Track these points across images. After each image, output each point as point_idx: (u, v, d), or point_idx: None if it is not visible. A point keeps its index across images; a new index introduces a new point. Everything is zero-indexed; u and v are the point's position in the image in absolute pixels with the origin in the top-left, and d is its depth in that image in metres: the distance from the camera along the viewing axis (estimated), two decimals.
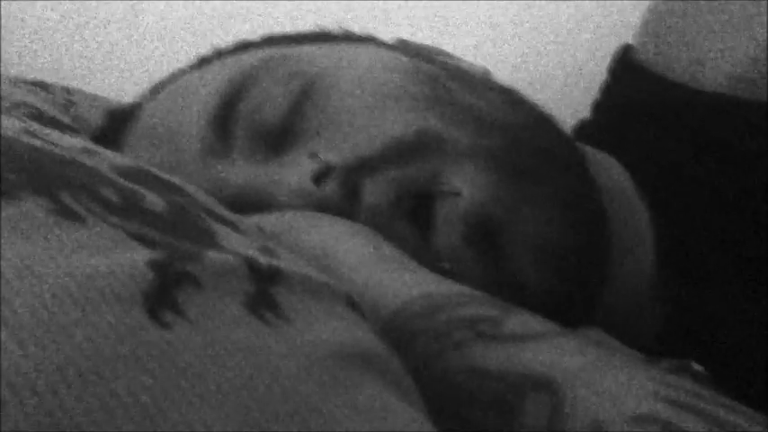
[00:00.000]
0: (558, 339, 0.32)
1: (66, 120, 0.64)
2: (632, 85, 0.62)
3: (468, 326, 0.31)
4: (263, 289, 0.23)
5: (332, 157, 0.44)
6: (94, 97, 0.72)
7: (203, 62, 0.57)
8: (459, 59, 0.56)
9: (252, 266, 0.24)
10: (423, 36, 0.63)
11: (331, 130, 0.46)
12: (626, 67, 0.62)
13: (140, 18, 1.00)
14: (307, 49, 0.52)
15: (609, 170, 0.54)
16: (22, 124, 0.26)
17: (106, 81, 0.99)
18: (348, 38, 0.55)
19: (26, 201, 0.21)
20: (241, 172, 0.46)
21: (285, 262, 0.26)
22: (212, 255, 0.23)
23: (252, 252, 0.25)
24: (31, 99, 0.65)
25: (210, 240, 0.24)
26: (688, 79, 0.56)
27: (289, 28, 0.61)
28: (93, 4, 1.01)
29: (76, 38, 1.02)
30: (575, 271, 0.44)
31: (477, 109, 0.47)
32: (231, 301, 0.22)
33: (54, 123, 0.57)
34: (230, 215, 0.28)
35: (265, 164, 0.46)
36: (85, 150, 0.26)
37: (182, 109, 0.49)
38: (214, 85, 0.48)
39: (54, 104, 0.67)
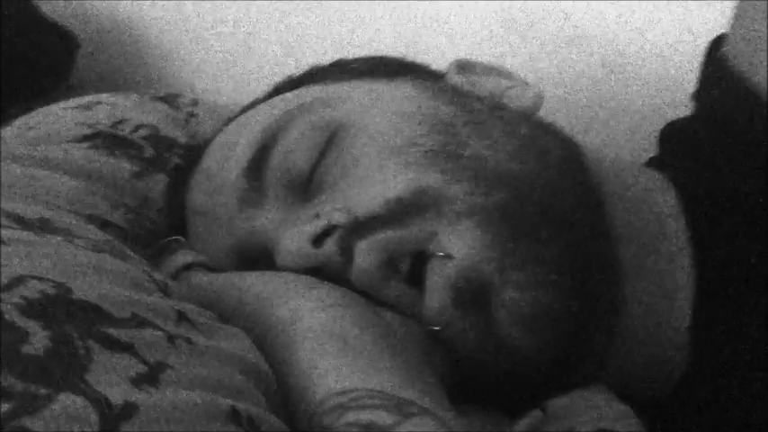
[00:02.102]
0: None
1: (182, 139, 0.71)
2: (716, 84, 0.58)
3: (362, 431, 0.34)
4: (111, 429, 0.27)
5: (337, 216, 0.46)
6: (216, 108, 0.79)
7: (276, 91, 0.61)
8: (513, 81, 0.55)
9: (101, 409, 0.28)
10: None
11: (342, 186, 0.48)
12: (714, 62, 0.59)
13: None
14: (341, 90, 0.54)
15: (654, 201, 0.51)
16: None
17: None
18: (393, 69, 0.56)
19: None
20: (270, 219, 0.50)
21: (171, 373, 0.30)
22: (63, 400, 0.27)
23: (115, 389, 0.29)
24: (150, 119, 0.72)
25: (77, 377, 0.29)
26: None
27: None
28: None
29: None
30: (569, 337, 0.44)
31: (483, 161, 0.47)
32: None
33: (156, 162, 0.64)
34: (132, 331, 0.32)
35: (293, 211, 0.50)
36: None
37: (224, 157, 0.53)
38: (250, 134, 0.52)
39: (174, 121, 0.74)
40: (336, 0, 0.99)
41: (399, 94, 0.53)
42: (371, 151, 0.48)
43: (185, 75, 1.13)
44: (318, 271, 0.46)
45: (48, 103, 0.90)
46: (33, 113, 0.73)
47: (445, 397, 0.39)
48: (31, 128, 0.68)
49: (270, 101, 0.56)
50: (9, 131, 0.68)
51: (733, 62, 0.57)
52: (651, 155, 0.63)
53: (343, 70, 0.58)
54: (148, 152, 0.67)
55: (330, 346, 0.39)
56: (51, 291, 0.32)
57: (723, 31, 0.61)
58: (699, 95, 0.61)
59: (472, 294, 0.44)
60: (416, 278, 0.45)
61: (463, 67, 0.57)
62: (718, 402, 0.47)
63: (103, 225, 0.54)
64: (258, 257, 0.50)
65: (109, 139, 0.67)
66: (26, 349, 0.29)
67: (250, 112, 0.56)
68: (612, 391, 0.45)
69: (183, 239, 0.56)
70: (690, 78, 0.67)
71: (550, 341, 0.44)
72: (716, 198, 0.52)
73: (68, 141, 0.65)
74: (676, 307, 0.49)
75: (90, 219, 0.53)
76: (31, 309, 0.31)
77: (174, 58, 1.13)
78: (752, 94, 0.55)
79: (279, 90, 0.60)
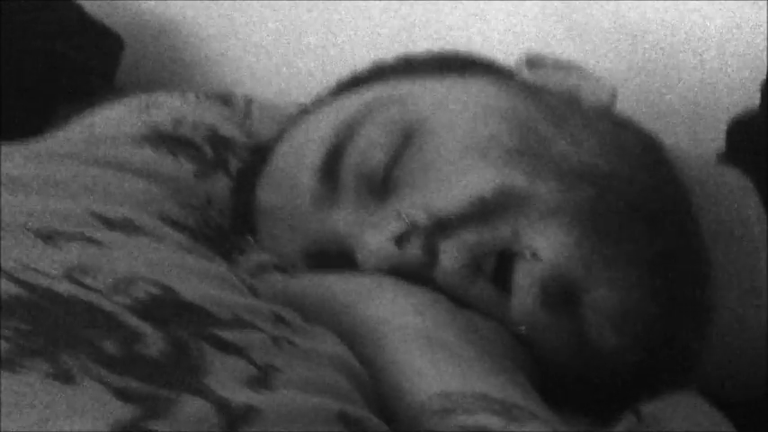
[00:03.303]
0: None
1: (240, 138, 0.71)
2: None
3: None
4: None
5: (418, 215, 0.46)
6: (273, 107, 0.78)
7: (340, 88, 0.60)
8: (585, 77, 0.54)
9: (223, 410, 0.27)
10: None
11: (421, 185, 0.48)
12: None
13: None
14: (412, 87, 0.53)
15: (733, 196, 0.51)
16: (69, 266, 0.32)
17: None
18: (462, 65, 0.56)
19: (27, 368, 0.26)
20: (346, 218, 0.50)
21: (281, 375, 0.30)
22: (187, 403, 0.27)
23: (234, 392, 0.28)
24: (208, 119, 0.72)
25: (195, 381, 0.28)
26: None
27: None
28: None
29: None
30: (659, 339, 0.43)
31: (567, 158, 0.46)
32: None
33: (217, 163, 0.64)
34: (238, 333, 0.32)
35: (370, 210, 0.49)
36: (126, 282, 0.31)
37: (297, 157, 0.53)
38: (322, 134, 0.52)
39: (230, 120, 0.74)
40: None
41: (474, 90, 0.52)
42: (451, 149, 0.48)
43: (229, 75, 1.13)
44: (400, 271, 0.45)
45: (95, 105, 0.90)
46: (93, 114, 0.73)
47: (541, 400, 0.39)
48: (90, 127, 0.68)
49: (339, 100, 0.56)
50: (72, 133, 0.68)
51: None
52: (714, 151, 0.63)
53: (410, 67, 0.57)
54: (208, 152, 0.67)
55: (425, 348, 0.39)
56: (158, 292, 0.32)
57: None
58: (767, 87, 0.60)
59: (561, 295, 0.43)
60: (501, 278, 0.45)
61: (533, 62, 0.56)
62: None
63: (173, 225, 0.54)
64: (333, 257, 0.50)
65: (169, 140, 0.67)
66: (144, 352, 0.29)
67: (320, 112, 0.56)
68: (702, 395, 0.44)
69: (251, 239, 0.56)
70: (750, 74, 0.66)
71: (641, 343, 0.43)
72: None
73: (130, 143, 0.65)
74: (762, 308, 0.48)
75: (162, 219, 0.53)
76: (142, 310, 0.31)
77: (218, 59, 1.13)
78: None
79: (343, 88, 0.60)
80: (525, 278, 0.44)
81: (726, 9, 0.83)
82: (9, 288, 0.29)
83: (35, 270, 0.31)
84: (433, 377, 0.37)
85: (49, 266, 0.31)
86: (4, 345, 0.27)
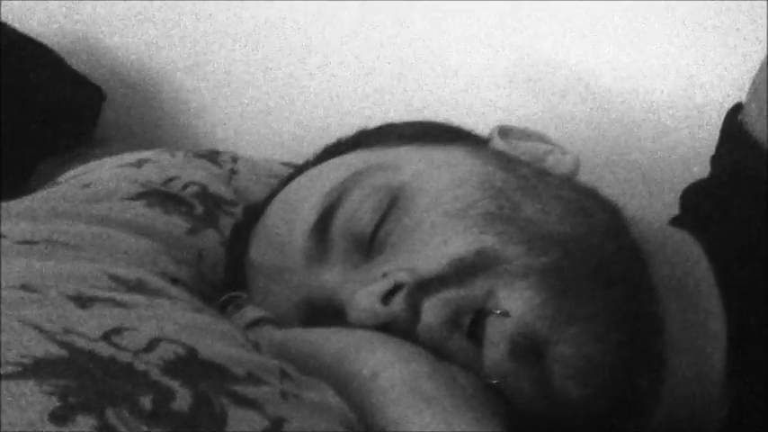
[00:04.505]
0: None
1: (227, 196, 0.75)
2: (735, 149, 0.63)
3: None
4: None
5: (403, 276, 0.50)
6: (257, 165, 0.82)
7: (326, 153, 0.65)
8: (551, 148, 0.60)
9: None
10: None
11: (405, 246, 0.52)
12: (732, 128, 0.64)
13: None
14: (397, 155, 0.58)
15: (685, 259, 0.56)
16: (106, 329, 0.36)
17: None
18: (441, 134, 0.61)
19: (78, 422, 0.30)
20: (336, 276, 0.54)
21: (289, 426, 0.34)
22: None
23: None
24: (197, 176, 0.76)
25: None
26: None
27: None
28: None
29: None
30: (618, 387, 0.48)
31: (536, 224, 0.51)
32: None
33: (206, 218, 0.68)
34: (252, 388, 0.36)
35: (358, 268, 0.54)
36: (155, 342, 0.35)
37: (290, 217, 0.57)
38: (314, 196, 0.56)
39: (219, 178, 0.78)
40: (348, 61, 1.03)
41: (453, 159, 0.57)
42: (432, 214, 0.53)
43: (209, 127, 1.16)
44: (386, 327, 0.50)
45: (77, 158, 0.93)
46: (82, 170, 0.76)
47: None
48: (85, 185, 0.71)
49: (329, 164, 0.61)
50: (64, 189, 0.71)
51: (749, 129, 0.62)
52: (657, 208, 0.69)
53: (394, 135, 0.62)
54: (198, 209, 0.71)
55: (411, 398, 0.43)
56: (182, 352, 0.36)
57: (734, 94, 0.67)
58: (717, 158, 0.66)
59: (528, 349, 0.48)
60: (476, 334, 0.49)
61: (505, 131, 0.62)
62: None
63: (174, 282, 0.58)
64: (324, 312, 0.54)
65: (161, 197, 0.70)
66: (175, 407, 0.33)
67: (310, 174, 0.61)
68: None
69: (244, 295, 0.60)
70: (701, 140, 0.72)
71: (602, 392, 0.48)
72: (738, 254, 0.57)
73: (124, 199, 0.68)
74: (712, 358, 0.53)
75: (162, 276, 0.57)
76: (171, 368, 0.35)
77: (198, 111, 1.17)
78: (764, 158, 0.60)
79: (329, 152, 0.64)
80: (496, 333, 0.48)
81: (683, 77, 0.89)
82: (54, 349, 0.33)
83: (76, 333, 0.35)
84: (419, 425, 0.41)
85: (87, 330, 0.35)
86: (55, 401, 0.31)
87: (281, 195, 0.61)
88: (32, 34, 1.14)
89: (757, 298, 0.54)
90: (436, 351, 0.49)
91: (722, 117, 0.67)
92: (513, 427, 0.48)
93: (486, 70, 0.96)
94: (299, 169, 0.65)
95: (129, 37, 1.18)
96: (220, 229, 0.69)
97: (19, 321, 0.35)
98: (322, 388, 0.42)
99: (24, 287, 0.39)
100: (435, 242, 0.51)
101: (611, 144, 0.91)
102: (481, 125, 0.66)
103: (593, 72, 0.92)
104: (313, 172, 0.61)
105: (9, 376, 0.31)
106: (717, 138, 0.68)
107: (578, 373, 0.47)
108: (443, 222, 0.52)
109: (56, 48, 1.15)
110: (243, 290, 0.62)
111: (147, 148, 0.82)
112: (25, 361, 0.32)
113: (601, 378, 0.48)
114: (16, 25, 1.14)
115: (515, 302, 0.49)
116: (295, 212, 0.57)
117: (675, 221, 0.64)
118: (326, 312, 0.54)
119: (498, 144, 0.60)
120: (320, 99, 1.05)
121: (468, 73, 0.97)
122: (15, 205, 0.64)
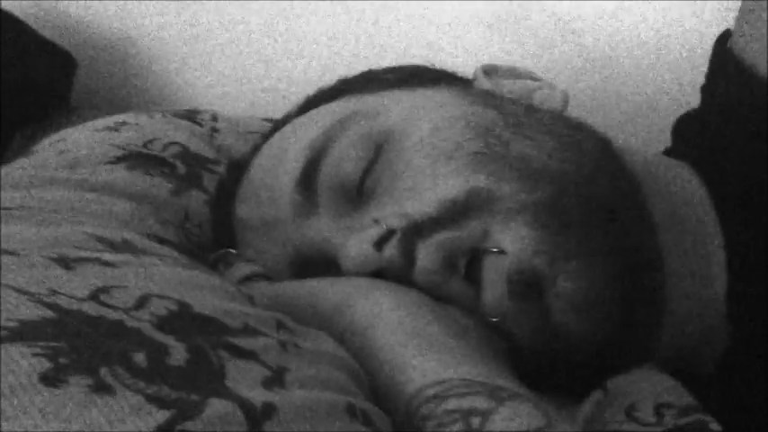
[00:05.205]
0: None
1: (209, 154, 0.74)
2: (726, 76, 0.62)
3: (463, 417, 0.37)
4: (257, 429, 0.30)
5: (394, 221, 0.49)
6: (237, 121, 0.81)
7: (308, 104, 0.63)
8: (538, 84, 0.59)
9: (246, 411, 0.31)
10: None
11: (395, 191, 0.51)
12: (722, 55, 0.63)
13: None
14: (380, 101, 0.57)
15: (682, 187, 0.55)
16: (93, 289, 0.35)
17: None
18: (424, 77, 0.60)
19: (70, 383, 0.29)
20: (326, 226, 0.53)
21: (291, 375, 0.33)
22: (213, 404, 0.30)
23: (252, 392, 0.32)
24: (178, 136, 0.74)
25: (218, 384, 0.32)
26: None
27: None
28: None
29: None
30: (618, 321, 0.47)
31: (527, 159, 0.50)
32: None
33: (190, 178, 0.66)
34: (250, 339, 0.35)
35: (347, 217, 0.53)
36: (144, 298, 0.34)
37: (274, 171, 0.56)
38: (298, 148, 0.55)
39: (200, 137, 0.77)
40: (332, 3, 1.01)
41: (438, 101, 0.56)
42: (421, 157, 0.51)
43: (183, 90, 1.14)
44: (381, 273, 0.49)
45: (53, 126, 0.91)
46: (59, 137, 0.74)
47: (519, 383, 0.43)
48: (62, 152, 0.69)
49: (311, 114, 0.59)
50: (41, 156, 0.69)
51: (740, 54, 0.61)
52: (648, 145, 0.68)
53: (375, 81, 0.61)
54: (181, 169, 0.69)
55: (414, 342, 0.42)
56: (174, 307, 0.35)
57: (716, 24, 0.65)
58: (708, 87, 0.65)
59: (526, 286, 0.47)
60: (473, 275, 0.48)
61: (488, 71, 0.60)
62: (760, 374, 0.51)
63: (161, 243, 0.57)
64: (317, 264, 0.53)
65: (142, 160, 0.68)
66: (171, 361, 0.32)
67: (293, 125, 0.59)
68: (662, 369, 0.48)
69: (234, 252, 0.59)
70: (686, 73, 0.71)
71: (603, 325, 0.47)
72: (735, 181, 0.56)
73: (103, 163, 0.67)
74: (713, 287, 0.52)
75: (149, 237, 0.55)
76: (164, 324, 0.33)
77: (172, 74, 1.15)
78: (757, 84, 0.59)
79: (311, 102, 0.63)
80: (493, 272, 0.47)
81: (664, 10, 0.88)
82: (41, 311, 0.32)
83: (62, 294, 0.34)
84: (425, 368, 0.41)
85: (74, 290, 0.34)
86: (45, 363, 0.30)
87: (265, 149, 0.60)
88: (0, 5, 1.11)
89: (756, 226, 0.54)
90: (434, 294, 0.48)
91: (710, 46, 0.66)
92: (515, 365, 0.48)
93: (468, 12, 0.94)
94: (282, 121, 0.63)
95: (97, 2, 1.15)
96: (205, 187, 0.68)
97: (1, 286, 0.33)
98: (321, 337, 0.41)
99: (5, 252, 0.37)
100: (426, 185, 0.50)
101: (596, 82, 0.90)
102: (464, 68, 0.65)
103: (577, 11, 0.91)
104: (296, 123, 0.59)
105: None
106: (705, 68, 0.67)
107: (577, 308, 0.47)
108: (433, 165, 0.51)
109: (23, 17, 1.12)
110: (232, 248, 0.61)
111: (123, 112, 0.80)
112: (11, 324, 0.31)
113: (600, 312, 0.47)
114: None
115: (511, 240, 0.48)
116: (280, 165, 0.56)
117: (668, 153, 0.64)
118: (318, 264, 0.53)
119: (484, 83, 0.59)
120: (297, 52, 1.03)
121: (451, 15, 0.95)
122: None
